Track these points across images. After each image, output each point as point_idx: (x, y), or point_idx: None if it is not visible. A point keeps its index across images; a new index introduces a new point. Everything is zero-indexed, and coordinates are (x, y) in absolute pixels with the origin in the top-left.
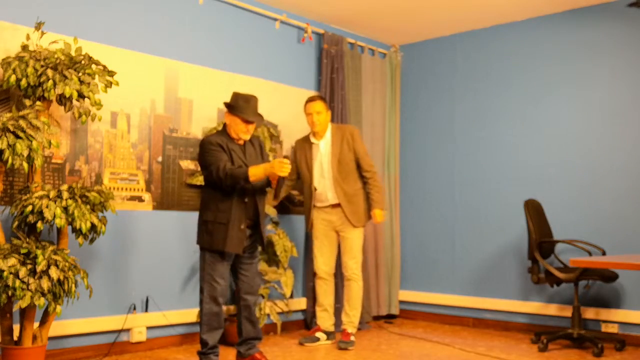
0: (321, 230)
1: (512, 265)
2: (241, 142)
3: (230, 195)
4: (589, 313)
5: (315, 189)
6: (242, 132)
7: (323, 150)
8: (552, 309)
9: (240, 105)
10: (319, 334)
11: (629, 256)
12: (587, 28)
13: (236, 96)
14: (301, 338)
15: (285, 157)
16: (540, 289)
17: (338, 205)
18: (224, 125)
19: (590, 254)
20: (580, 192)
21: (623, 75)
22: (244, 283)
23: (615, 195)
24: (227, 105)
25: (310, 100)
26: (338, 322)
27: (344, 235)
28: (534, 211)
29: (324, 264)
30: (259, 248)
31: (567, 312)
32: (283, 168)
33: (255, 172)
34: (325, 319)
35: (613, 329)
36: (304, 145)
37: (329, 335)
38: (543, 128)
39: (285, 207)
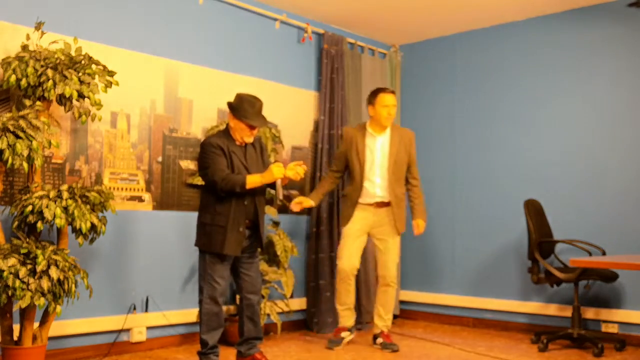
0: (356, 229)
1: (512, 265)
2: (243, 143)
3: (229, 197)
4: (589, 313)
5: (363, 184)
6: (246, 136)
7: (380, 147)
8: (552, 309)
9: (245, 110)
10: (343, 334)
11: (629, 256)
12: (587, 28)
13: (240, 99)
14: (328, 343)
15: (276, 161)
16: (540, 289)
17: (386, 204)
18: (227, 126)
19: (590, 254)
20: (580, 192)
21: (623, 75)
22: (246, 282)
23: (615, 195)
24: (230, 107)
25: (387, 91)
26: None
27: (385, 239)
28: (534, 211)
29: (351, 263)
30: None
31: (567, 312)
32: (280, 171)
33: (253, 181)
34: (349, 317)
35: (613, 329)
36: (357, 135)
37: (350, 330)
38: (543, 128)
39: (285, 207)
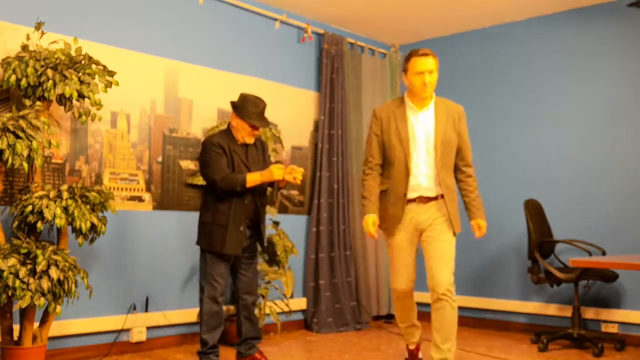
0: (406, 233)
1: (512, 265)
2: (244, 142)
3: (230, 197)
4: (589, 313)
5: (409, 174)
6: (247, 136)
7: (423, 125)
8: (552, 309)
9: (248, 110)
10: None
11: (629, 256)
12: (587, 28)
13: (244, 98)
14: None
15: (277, 161)
16: (540, 289)
17: (433, 199)
18: (229, 125)
19: (590, 254)
20: (580, 192)
21: (623, 75)
22: (243, 283)
23: (615, 195)
24: (234, 106)
25: (421, 54)
26: (351, 318)
27: (436, 236)
28: (534, 211)
29: (408, 279)
30: (259, 248)
31: (567, 312)
32: (279, 173)
33: (253, 179)
34: (414, 333)
35: (613, 329)
36: (394, 112)
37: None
38: (543, 128)
39: (285, 207)
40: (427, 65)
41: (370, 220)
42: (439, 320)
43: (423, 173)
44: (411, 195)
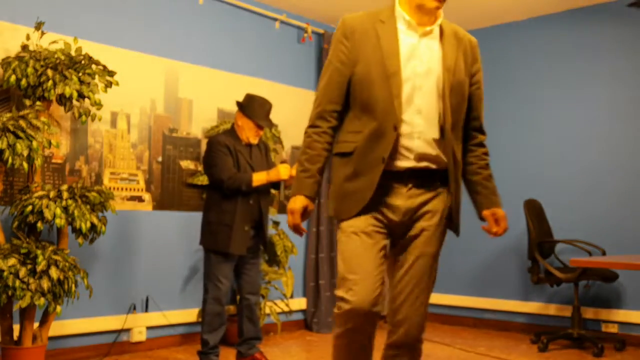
0: (371, 224)
1: (512, 265)
2: (249, 143)
3: (235, 196)
4: (589, 313)
5: (397, 128)
6: (252, 136)
7: (425, 54)
8: (552, 309)
9: (255, 109)
10: None
11: (629, 256)
12: (587, 28)
13: (251, 98)
14: None
15: (283, 161)
16: (540, 289)
17: (435, 175)
18: (232, 125)
19: (590, 254)
20: (580, 192)
21: (623, 75)
22: (246, 283)
23: (615, 195)
24: (240, 105)
25: None
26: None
27: (420, 247)
28: (534, 211)
29: (368, 294)
30: (262, 248)
31: (567, 312)
32: (286, 172)
33: (259, 179)
34: None
35: (613, 329)
36: (376, 28)
37: None
38: (543, 128)
39: (285, 207)
40: None
41: (300, 204)
42: None
43: (419, 131)
44: (403, 164)
